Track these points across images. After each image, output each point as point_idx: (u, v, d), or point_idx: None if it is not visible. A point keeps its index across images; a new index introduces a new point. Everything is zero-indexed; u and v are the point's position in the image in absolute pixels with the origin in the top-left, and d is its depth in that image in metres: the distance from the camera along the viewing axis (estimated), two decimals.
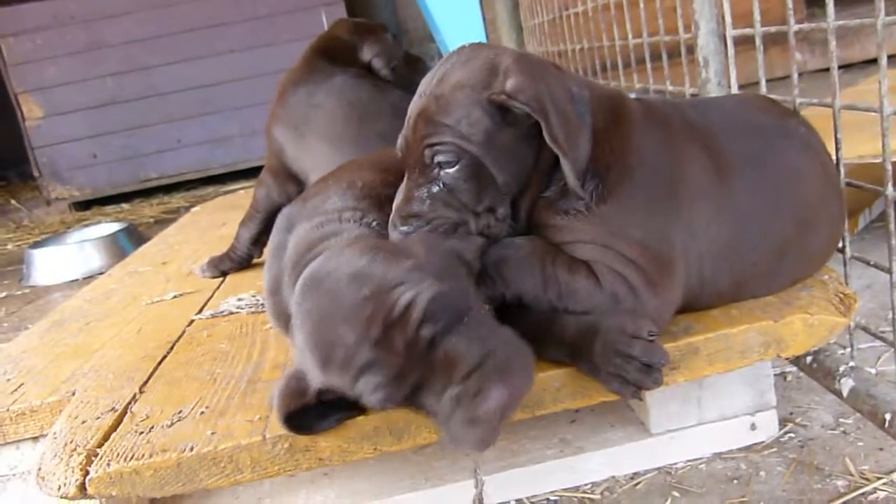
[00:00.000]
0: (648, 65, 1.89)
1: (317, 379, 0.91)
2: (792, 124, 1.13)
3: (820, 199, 1.12)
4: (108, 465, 0.99)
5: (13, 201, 6.06)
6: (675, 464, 1.29)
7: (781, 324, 1.02)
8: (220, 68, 5.75)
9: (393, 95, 2.09)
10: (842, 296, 1.08)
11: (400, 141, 1.05)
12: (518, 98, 0.95)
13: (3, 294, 3.76)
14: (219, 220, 2.67)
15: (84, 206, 5.96)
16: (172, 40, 5.70)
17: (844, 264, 1.24)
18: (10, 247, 5.07)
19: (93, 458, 1.02)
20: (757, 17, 1.32)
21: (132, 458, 1.00)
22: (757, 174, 1.07)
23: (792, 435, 1.35)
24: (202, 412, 1.09)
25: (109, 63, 5.69)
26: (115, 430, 1.09)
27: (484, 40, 4.28)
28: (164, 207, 5.46)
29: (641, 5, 1.85)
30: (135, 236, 4.04)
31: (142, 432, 1.06)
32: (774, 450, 1.30)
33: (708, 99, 1.17)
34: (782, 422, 1.37)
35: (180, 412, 1.10)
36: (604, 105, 1.04)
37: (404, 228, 0.99)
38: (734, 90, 1.45)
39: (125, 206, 5.82)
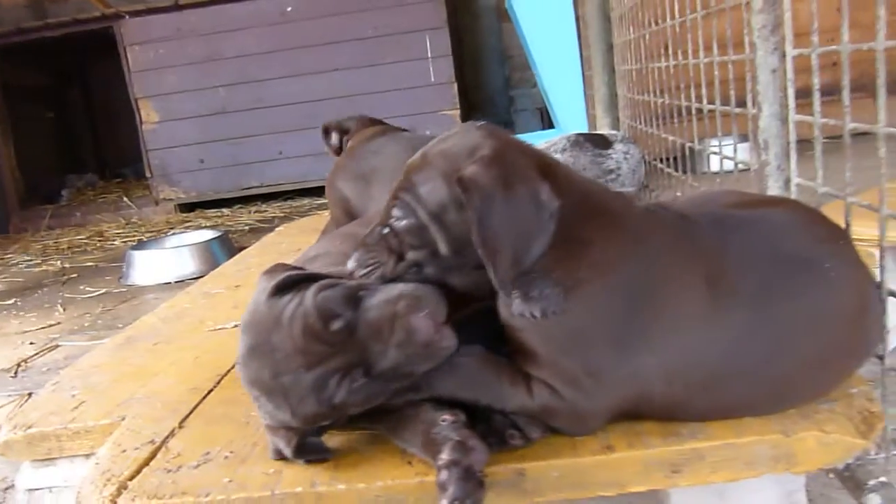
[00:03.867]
0: (718, 122, 1.87)
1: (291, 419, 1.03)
2: (824, 257, 1.06)
3: (841, 337, 1.06)
4: (134, 500, 1.07)
5: (126, 199, 6.47)
6: None
7: (793, 439, 0.99)
8: (325, 85, 5.98)
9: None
10: (866, 414, 1.03)
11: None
12: (465, 187, 0.99)
13: (103, 290, 4.03)
14: (297, 245, 2.78)
15: (189, 207, 6.31)
16: (282, 56, 5.97)
17: (882, 373, 1.19)
18: (117, 242, 5.43)
19: (122, 491, 1.10)
20: (817, 108, 1.29)
21: (155, 496, 1.07)
22: (762, 311, 1.02)
23: None
24: (226, 456, 1.15)
25: (223, 74, 6.01)
26: (147, 464, 1.17)
27: (579, 79, 4.28)
28: (261, 216, 5.71)
29: (716, 72, 1.83)
30: (227, 245, 4.26)
31: (170, 470, 1.13)
32: None
33: (741, 216, 1.10)
34: None
35: (208, 454, 1.17)
36: (595, 217, 1.03)
37: (355, 255, 1.10)
38: (793, 176, 1.42)
39: (226, 210, 6.13)
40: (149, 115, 6.06)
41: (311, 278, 1.08)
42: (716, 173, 1.88)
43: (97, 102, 7.87)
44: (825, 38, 1.20)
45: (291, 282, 1.06)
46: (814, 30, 1.24)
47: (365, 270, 1.07)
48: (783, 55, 1.38)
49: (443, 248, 1.04)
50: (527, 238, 0.99)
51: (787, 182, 1.43)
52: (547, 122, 5.98)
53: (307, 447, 1.07)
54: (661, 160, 2.63)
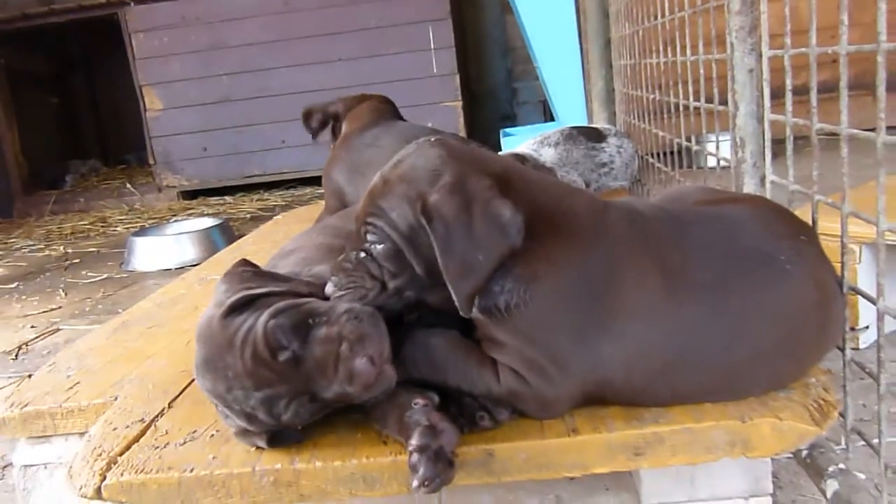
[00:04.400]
0: (703, 119, 1.91)
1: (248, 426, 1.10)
2: (782, 251, 1.10)
3: (798, 329, 1.10)
4: (122, 474, 1.13)
5: (129, 185, 6.53)
6: None
7: (749, 425, 1.04)
8: (328, 75, 6.00)
9: (449, 138, 2.20)
10: (821, 402, 1.08)
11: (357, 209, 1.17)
12: (428, 216, 1.03)
13: (105, 276, 4.09)
14: (292, 234, 2.82)
15: (191, 195, 6.36)
16: (286, 45, 6.01)
17: (844, 365, 1.23)
18: (120, 228, 5.48)
19: (112, 466, 1.16)
20: (789, 107, 1.33)
21: (142, 471, 1.12)
22: (716, 303, 1.06)
23: None
24: (212, 435, 1.21)
25: (226, 63, 6.06)
26: (137, 441, 1.22)
27: (579, 73, 4.30)
28: (262, 204, 5.76)
29: (701, 70, 1.86)
30: (227, 232, 4.31)
31: (157, 447, 1.19)
32: None
33: (703, 212, 1.16)
34: None
35: (194, 432, 1.22)
36: (553, 217, 1.08)
37: (333, 279, 1.13)
38: (768, 173, 1.46)
39: (228, 198, 6.18)
40: (152, 102, 6.10)
41: (269, 295, 1.12)
42: (712, 169, 1.92)
43: (101, 89, 7.92)
44: (827, 34, 1.21)
45: (246, 301, 1.11)
46: (786, 31, 1.28)
47: (343, 293, 1.11)
48: (759, 56, 1.41)
49: (418, 269, 1.08)
50: (492, 258, 1.03)
51: (763, 179, 1.47)
52: (549, 115, 6.00)
53: (280, 437, 1.13)
54: (655, 155, 2.66)
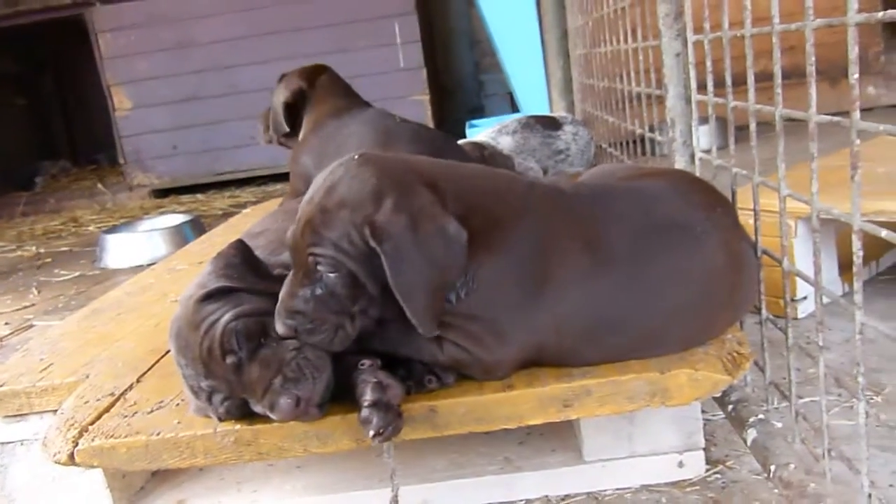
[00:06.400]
0: (644, 108, 2.02)
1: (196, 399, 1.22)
2: (695, 221, 1.20)
3: (710, 292, 1.20)
4: (93, 440, 1.21)
5: (100, 185, 6.54)
6: (605, 490, 1.42)
7: (667, 376, 1.14)
8: None
9: (414, 125, 2.28)
10: (735, 355, 1.19)
11: (288, 237, 1.16)
12: (379, 239, 1.06)
13: (77, 273, 4.12)
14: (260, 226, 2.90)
15: (163, 193, 6.38)
16: (254, 42, 6.04)
17: (761, 324, 1.34)
18: (91, 228, 5.50)
19: (84, 434, 1.24)
20: (710, 87, 1.43)
21: (112, 436, 1.21)
22: (634, 270, 1.16)
23: (718, 476, 1.46)
24: (178, 404, 1.29)
25: (195, 61, 6.07)
26: (107, 411, 1.31)
27: (540, 64, 4.40)
28: (234, 201, 5.80)
29: (641, 57, 1.97)
30: (198, 228, 4.35)
31: (126, 416, 1.27)
32: (698, 488, 1.41)
33: (624, 186, 1.26)
34: (714, 463, 1.48)
35: (161, 402, 1.31)
36: (484, 208, 1.15)
37: (290, 322, 1.11)
38: (696, 151, 1.56)
39: (199, 196, 6.20)
40: (121, 101, 6.11)
41: (244, 290, 1.18)
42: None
43: (70, 89, 7.90)
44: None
45: (222, 291, 1.18)
46: (705, 17, 1.38)
47: (321, 337, 1.11)
48: (685, 41, 1.51)
49: (372, 290, 1.11)
50: (440, 274, 1.09)
51: (693, 156, 1.57)
52: (517, 106, 6.11)
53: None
54: (615, 144, 2.76)
